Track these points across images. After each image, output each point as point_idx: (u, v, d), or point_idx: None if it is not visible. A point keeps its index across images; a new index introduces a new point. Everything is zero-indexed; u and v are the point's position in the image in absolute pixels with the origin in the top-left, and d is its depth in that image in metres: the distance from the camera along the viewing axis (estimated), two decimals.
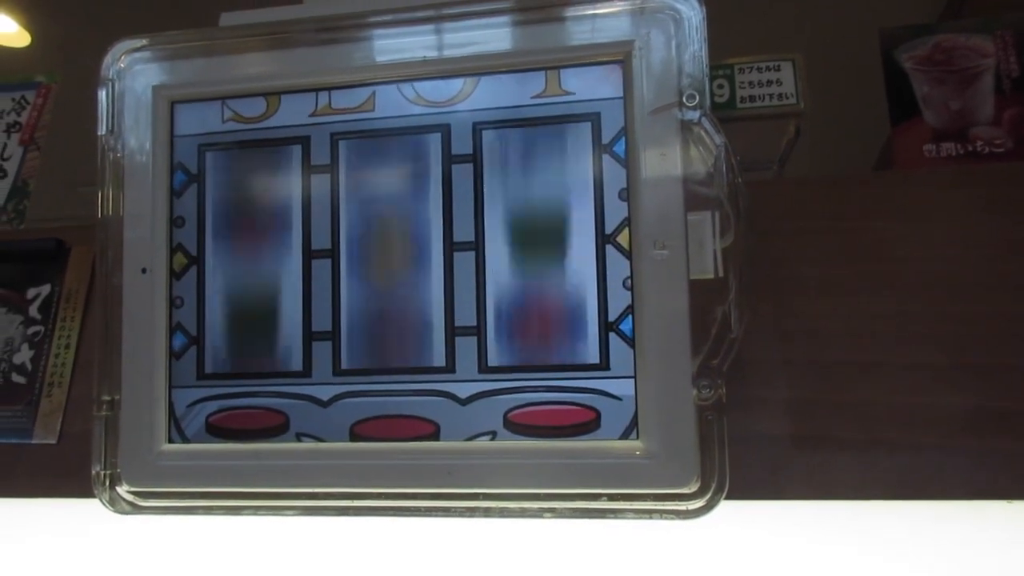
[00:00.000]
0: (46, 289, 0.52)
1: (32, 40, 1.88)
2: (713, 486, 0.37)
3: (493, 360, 0.40)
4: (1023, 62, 0.48)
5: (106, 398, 0.44)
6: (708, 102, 0.39)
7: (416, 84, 0.43)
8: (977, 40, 0.49)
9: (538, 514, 0.39)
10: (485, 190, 0.41)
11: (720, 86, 0.48)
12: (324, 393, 0.42)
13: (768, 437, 0.40)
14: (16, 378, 0.50)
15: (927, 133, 0.48)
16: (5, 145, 0.59)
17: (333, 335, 0.42)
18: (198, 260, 0.44)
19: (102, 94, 0.45)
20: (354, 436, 0.41)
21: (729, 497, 0.37)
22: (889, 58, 0.50)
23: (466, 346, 0.41)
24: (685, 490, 0.38)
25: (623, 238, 0.40)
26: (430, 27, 0.42)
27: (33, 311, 0.52)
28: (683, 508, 0.38)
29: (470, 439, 0.40)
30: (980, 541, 0.43)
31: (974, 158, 0.46)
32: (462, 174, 0.42)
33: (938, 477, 0.39)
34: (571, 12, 0.41)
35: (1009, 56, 0.48)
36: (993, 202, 0.42)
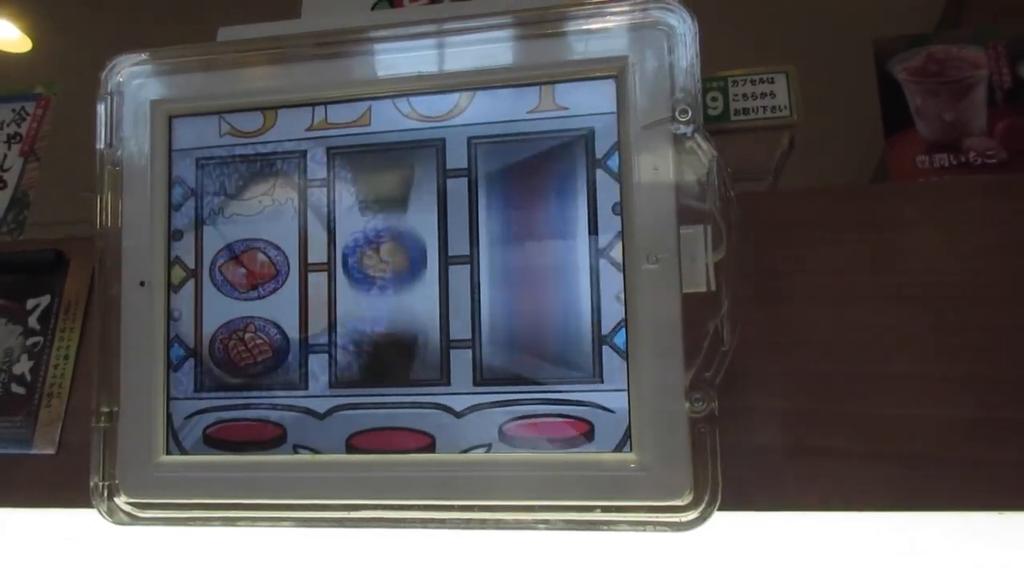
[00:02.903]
0: (45, 300, 0.52)
1: (33, 46, 1.89)
2: (706, 498, 0.38)
3: (488, 373, 0.41)
4: (1016, 73, 0.48)
5: (104, 409, 0.44)
6: (701, 116, 0.39)
7: (412, 99, 0.43)
8: (970, 51, 0.49)
9: (532, 526, 0.39)
10: (479, 204, 0.42)
11: (714, 99, 0.48)
12: (320, 406, 0.42)
13: (763, 448, 0.41)
14: (15, 388, 0.51)
15: (920, 144, 0.48)
16: (5, 156, 0.59)
17: (329, 348, 0.43)
18: (196, 273, 0.45)
19: (101, 108, 0.45)
20: (350, 448, 0.42)
21: (723, 508, 0.37)
22: (882, 69, 0.50)
23: (461, 359, 0.41)
24: (678, 502, 0.38)
25: (616, 252, 0.40)
26: (426, 42, 0.43)
27: (32, 322, 0.52)
28: (676, 520, 0.38)
29: (465, 451, 0.40)
30: (972, 552, 0.43)
31: (967, 169, 0.47)
32: (457, 188, 0.42)
33: (931, 488, 0.39)
34: (565, 28, 0.41)
35: (1002, 67, 0.48)
36: (986, 214, 0.42)
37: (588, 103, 0.41)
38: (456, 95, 0.42)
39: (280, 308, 0.43)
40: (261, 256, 0.44)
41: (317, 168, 0.44)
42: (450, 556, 0.49)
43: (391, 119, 0.43)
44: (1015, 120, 0.47)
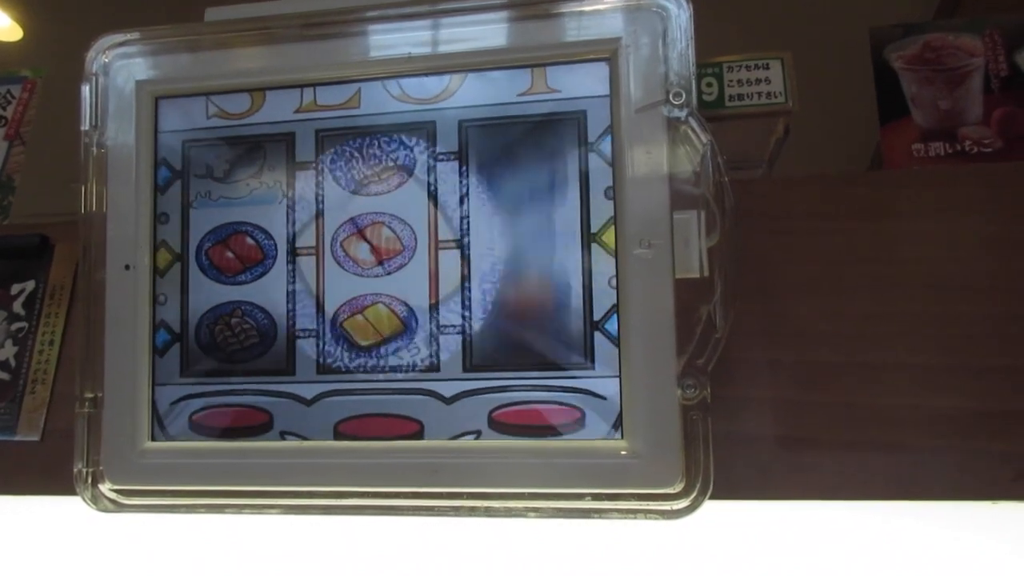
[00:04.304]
0: (30, 285, 0.52)
1: (24, 34, 1.87)
2: (698, 486, 0.37)
3: (478, 359, 0.40)
4: (1012, 62, 0.48)
5: (89, 395, 0.43)
6: (694, 100, 0.39)
7: (401, 81, 0.42)
8: (966, 39, 0.49)
9: (522, 513, 0.39)
10: (470, 188, 0.41)
11: (709, 84, 0.48)
12: (308, 392, 0.42)
13: (754, 437, 0.40)
14: (0, 375, 0.50)
15: (915, 132, 0.47)
16: None
17: (317, 333, 0.42)
18: (182, 257, 0.44)
19: (85, 89, 0.45)
20: (338, 435, 0.41)
21: (715, 497, 0.37)
22: (879, 57, 0.49)
23: (451, 344, 0.40)
24: (669, 490, 0.37)
25: (608, 237, 0.39)
26: (416, 23, 0.42)
27: (17, 307, 0.51)
28: (667, 508, 0.37)
29: (454, 438, 0.40)
30: (964, 542, 0.43)
31: (962, 158, 0.46)
32: (447, 171, 0.41)
33: (923, 478, 0.39)
34: (558, 9, 0.40)
35: (998, 55, 0.48)
36: (981, 202, 0.42)
37: (581, 86, 0.40)
38: (447, 77, 0.42)
39: (267, 293, 0.43)
40: (248, 240, 0.43)
41: (305, 151, 0.43)
42: (438, 544, 0.48)
43: (381, 101, 0.42)
44: (1011, 108, 0.47)
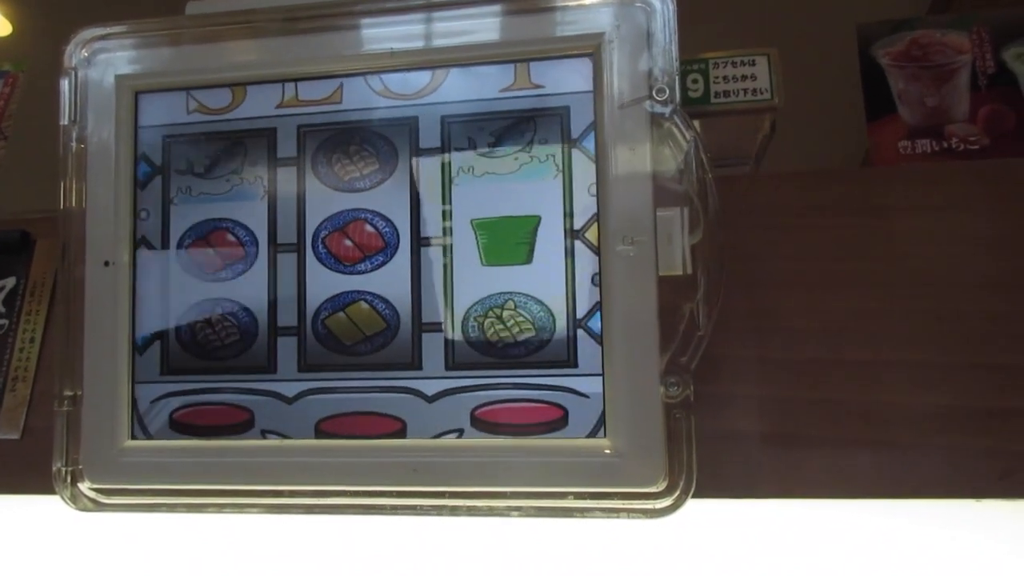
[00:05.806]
0: (11, 282, 0.51)
1: (13, 29, 1.86)
2: (681, 485, 0.37)
3: (460, 357, 0.40)
4: (999, 59, 0.48)
5: (68, 393, 0.43)
6: (678, 97, 0.38)
7: (384, 76, 0.42)
8: (953, 36, 0.48)
9: (504, 512, 0.39)
10: (453, 184, 0.41)
11: (694, 81, 0.48)
12: (289, 389, 0.41)
13: (741, 435, 0.40)
14: None
15: (902, 130, 0.47)
16: None
17: (299, 331, 0.42)
18: (163, 254, 0.43)
19: (64, 83, 0.44)
20: (319, 433, 0.41)
21: (699, 496, 0.37)
22: (866, 54, 0.49)
23: (433, 342, 0.40)
24: (652, 489, 0.37)
25: (592, 234, 0.39)
26: (399, 19, 0.42)
27: None
28: (650, 507, 0.37)
29: (436, 437, 0.40)
30: (949, 540, 0.43)
31: (949, 155, 0.46)
32: (430, 168, 0.41)
33: (909, 476, 0.39)
34: (541, 4, 0.40)
35: (985, 53, 0.48)
36: (967, 199, 0.42)
37: (564, 81, 0.40)
38: (429, 73, 0.41)
39: (249, 290, 0.42)
40: (229, 236, 0.43)
41: (287, 146, 0.42)
42: (421, 543, 0.48)
43: (363, 97, 0.42)
44: (997, 106, 0.47)
